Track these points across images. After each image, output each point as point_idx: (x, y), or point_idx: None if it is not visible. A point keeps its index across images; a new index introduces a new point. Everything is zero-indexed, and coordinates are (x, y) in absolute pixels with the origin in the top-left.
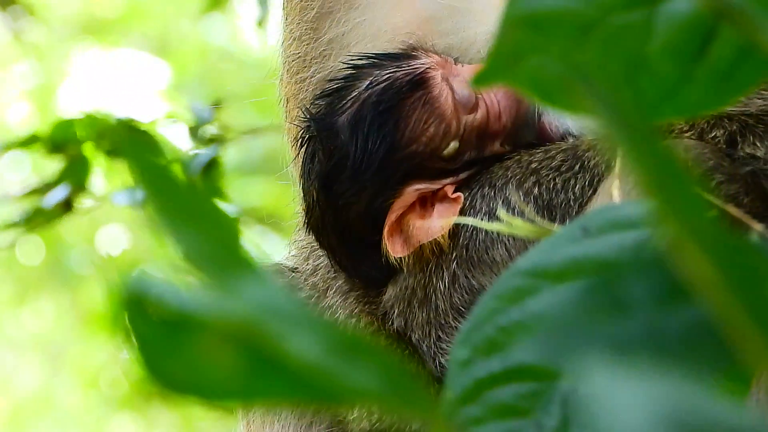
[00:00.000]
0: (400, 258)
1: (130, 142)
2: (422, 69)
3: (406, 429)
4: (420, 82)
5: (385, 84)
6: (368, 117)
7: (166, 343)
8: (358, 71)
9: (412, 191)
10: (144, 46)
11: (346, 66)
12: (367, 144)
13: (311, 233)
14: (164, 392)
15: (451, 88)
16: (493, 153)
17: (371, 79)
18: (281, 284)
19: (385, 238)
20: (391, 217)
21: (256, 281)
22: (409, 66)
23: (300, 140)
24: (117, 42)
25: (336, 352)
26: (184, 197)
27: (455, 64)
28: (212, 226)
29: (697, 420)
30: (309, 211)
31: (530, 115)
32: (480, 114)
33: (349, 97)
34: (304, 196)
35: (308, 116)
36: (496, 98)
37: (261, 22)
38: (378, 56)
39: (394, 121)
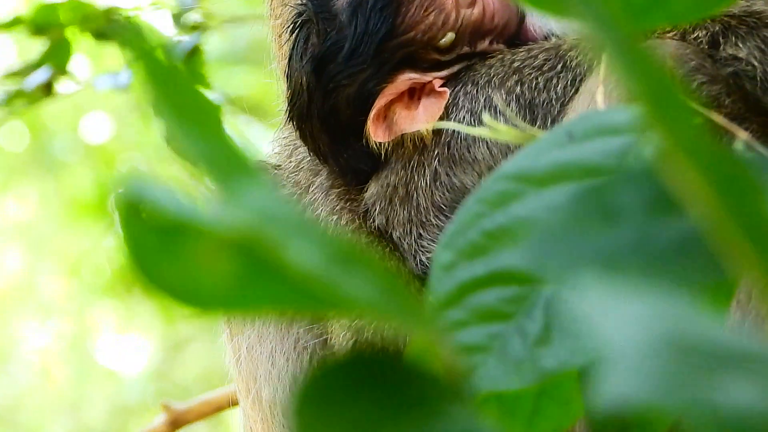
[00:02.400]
0: (381, 146)
1: (120, 29)
2: None
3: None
4: None
5: None
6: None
7: (161, 250)
8: None
9: (404, 80)
10: None
11: None
12: (367, 25)
13: (293, 121)
14: (158, 298)
15: None
16: (483, 50)
17: None
18: (282, 192)
19: (370, 121)
20: (381, 102)
21: (258, 186)
22: None
23: (294, 24)
24: None
25: (334, 260)
26: (180, 88)
27: None
28: (215, 129)
29: (691, 339)
30: (295, 97)
31: (519, 21)
32: (477, 10)
33: None
34: (291, 81)
35: (304, 0)
36: (492, 0)
37: None
38: None
39: (396, 4)
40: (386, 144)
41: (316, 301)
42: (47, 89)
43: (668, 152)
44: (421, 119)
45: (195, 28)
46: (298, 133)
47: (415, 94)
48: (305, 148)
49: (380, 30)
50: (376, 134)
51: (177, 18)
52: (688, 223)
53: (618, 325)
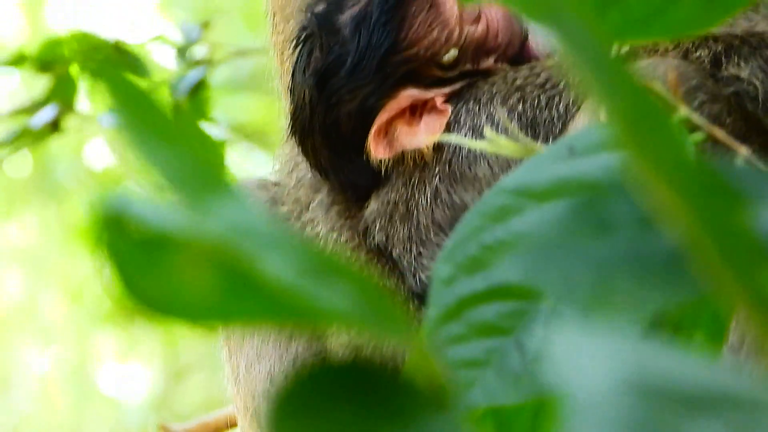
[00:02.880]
0: (381, 162)
1: (106, 61)
2: None
3: (387, 356)
4: None
5: None
6: (374, 14)
7: (143, 262)
8: None
9: (407, 96)
10: None
11: None
12: (370, 40)
13: (295, 135)
14: (142, 311)
15: None
16: (486, 68)
17: None
18: (257, 204)
19: (372, 137)
20: (383, 117)
21: (231, 201)
22: None
23: (297, 39)
24: None
25: (310, 272)
26: (159, 117)
27: None
28: (191, 146)
29: (664, 381)
30: (296, 111)
31: (522, 42)
32: (481, 27)
33: None
34: (293, 95)
35: (309, 14)
36: (496, 17)
37: None
38: None
39: (399, 19)
40: (387, 160)
41: (293, 313)
42: (54, 126)
43: (645, 172)
44: (422, 136)
45: (200, 61)
46: (299, 147)
47: (416, 110)
48: (306, 164)
49: (383, 45)
50: (377, 150)
51: (182, 51)
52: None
53: (587, 364)
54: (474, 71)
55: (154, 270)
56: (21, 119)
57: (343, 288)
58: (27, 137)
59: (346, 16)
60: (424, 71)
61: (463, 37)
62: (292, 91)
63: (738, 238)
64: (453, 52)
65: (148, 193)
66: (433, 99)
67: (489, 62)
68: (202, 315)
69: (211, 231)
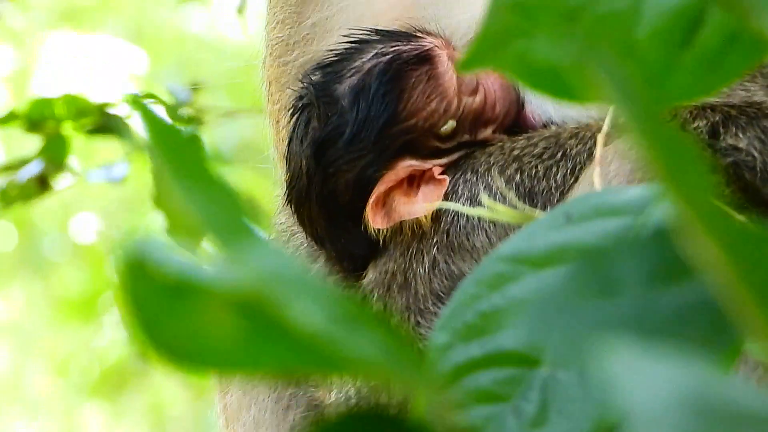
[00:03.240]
0: (379, 233)
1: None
2: (429, 46)
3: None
4: (426, 58)
5: (392, 55)
6: (373, 85)
7: (166, 309)
8: (361, 44)
9: (404, 167)
10: (121, 33)
11: (347, 39)
12: (369, 111)
13: (292, 204)
14: (163, 360)
15: (456, 69)
16: (484, 139)
17: (377, 50)
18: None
19: (369, 207)
20: (380, 188)
21: (261, 247)
22: (415, 42)
23: (294, 107)
24: (94, 28)
25: (339, 319)
26: (196, 162)
27: (455, 49)
28: (217, 192)
29: (719, 403)
30: (293, 180)
31: (520, 110)
32: (479, 98)
33: (351, 67)
34: (290, 163)
35: (307, 83)
36: (493, 87)
37: (241, 9)
38: (382, 32)
39: (398, 90)
40: (385, 230)
41: (321, 360)
42: (41, 184)
43: (688, 223)
44: (420, 207)
45: (189, 121)
46: (295, 216)
47: (414, 181)
48: (302, 233)
49: (382, 116)
50: (375, 221)
51: (171, 112)
52: (690, 292)
53: (644, 385)
54: (472, 142)
55: (177, 317)
56: (8, 175)
57: (371, 336)
58: (14, 192)
59: (344, 87)
60: (422, 142)
61: (461, 108)
62: (289, 160)
63: None
64: (451, 123)
65: (168, 240)
66: (431, 170)
67: (487, 133)
68: (228, 361)
69: (242, 276)
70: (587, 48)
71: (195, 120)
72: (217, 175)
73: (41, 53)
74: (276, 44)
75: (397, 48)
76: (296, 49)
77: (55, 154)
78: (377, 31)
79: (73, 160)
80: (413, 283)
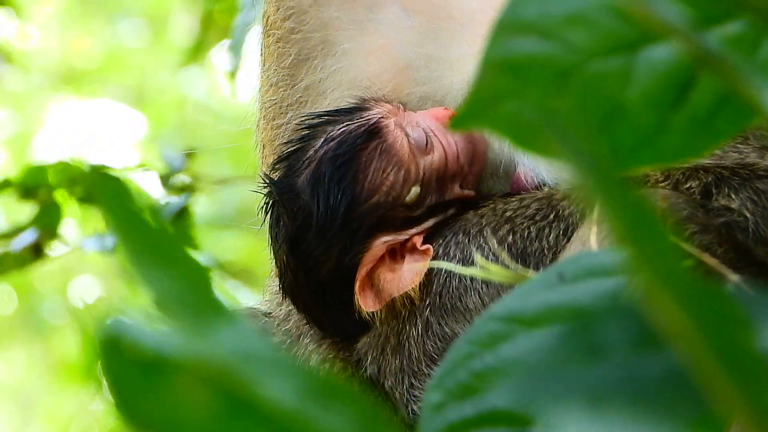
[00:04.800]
0: (373, 315)
1: (103, 186)
2: (375, 119)
3: None
4: (374, 132)
5: (339, 138)
6: (326, 173)
7: (141, 385)
8: (312, 130)
9: (380, 244)
10: (121, 97)
11: (300, 127)
12: (328, 200)
13: (287, 296)
14: None
15: (406, 134)
16: (454, 197)
17: (325, 135)
18: (255, 328)
19: (357, 293)
20: (362, 272)
21: (230, 325)
22: (361, 118)
23: (264, 206)
24: (95, 93)
25: (310, 396)
26: (157, 242)
27: (405, 110)
28: (184, 270)
29: None
30: (282, 276)
31: (489, 156)
32: (437, 155)
33: (305, 157)
34: (276, 260)
35: (268, 181)
36: (453, 139)
37: (233, 73)
38: (330, 113)
39: (352, 173)
40: (378, 312)
41: None
42: (36, 251)
43: (652, 291)
44: (407, 281)
45: (183, 189)
46: (294, 307)
47: (397, 252)
48: (302, 317)
49: (342, 203)
50: (366, 304)
51: (165, 179)
52: (674, 358)
53: None
54: (443, 203)
55: (152, 393)
56: (2, 244)
57: (343, 411)
58: (8, 261)
59: (302, 180)
60: (392, 216)
61: (421, 171)
62: (274, 257)
63: (743, 356)
64: (415, 190)
65: (144, 317)
66: (411, 239)
67: (455, 190)
68: None
69: (212, 354)
70: (573, 110)
71: (189, 188)
72: (184, 253)
73: (42, 117)
74: (269, 107)
75: (344, 129)
76: (289, 112)
77: (48, 222)
78: (325, 113)
79: (67, 228)
80: (407, 345)
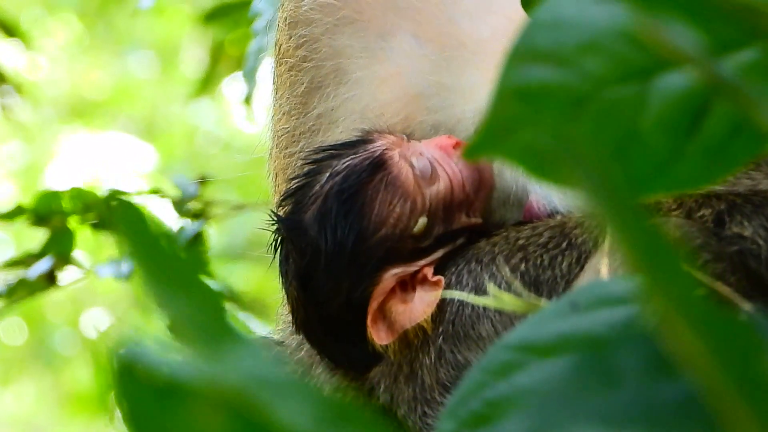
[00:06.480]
0: (387, 347)
1: (120, 212)
2: (379, 151)
3: None
4: (379, 164)
5: (344, 173)
6: (333, 208)
7: (157, 411)
8: (317, 165)
9: (390, 276)
10: (132, 129)
11: (305, 162)
12: (336, 236)
13: (300, 332)
14: None
15: (411, 164)
16: (462, 225)
17: (330, 170)
18: (270, 354)
19: (369, 326)
20: (373, 305)
21: (244, 350)
22: (366, 150)
23: (273, 243)
24: (105, 124)
25: (325, 420)
26: (173, 268)
27: (409, 141)
28: (199, 296)
29: None
30: (294, 312)
31: (495, 182)
32: (443, 184)
33: (311, 193)
34: (288, 296)
35: (275, 218)
36: (458, 168)
37: (248, 99)
38: (334, 146)
39: (359, 207)
40: (392, 344)
41: None
42: (49, 279)
43: (667, 319)
44: (419, 312)
45: (197, 215)
46: (307, 341)
47: (407, 284)
48: (316, 352)
49: (349, 237)
50: (379, 337)
51: (179, 205)
52: (688, 385)
53: None
54: (451, 232)
55: (168, 418)
56: (16, 272)
57: None
58: (23, 289)
59: (309, 216)
60: (400, 248)
61: (428, 202)
62: (286, 294)
63: (758, 383)
64: (422, 221)
65: (158, 344)
66: (421, 270)
67: (462, 219)
68: None
69: (227, 379)
70: (588, 138)
71: (202, 214)
72: (199, 279)
73: (52, 149)
74: (282, 135)
75: (348, 163)
76: (302, 140)
77: (61, 248)
78: (330, 147)
79: (80, 255)
80: (420, 373)
